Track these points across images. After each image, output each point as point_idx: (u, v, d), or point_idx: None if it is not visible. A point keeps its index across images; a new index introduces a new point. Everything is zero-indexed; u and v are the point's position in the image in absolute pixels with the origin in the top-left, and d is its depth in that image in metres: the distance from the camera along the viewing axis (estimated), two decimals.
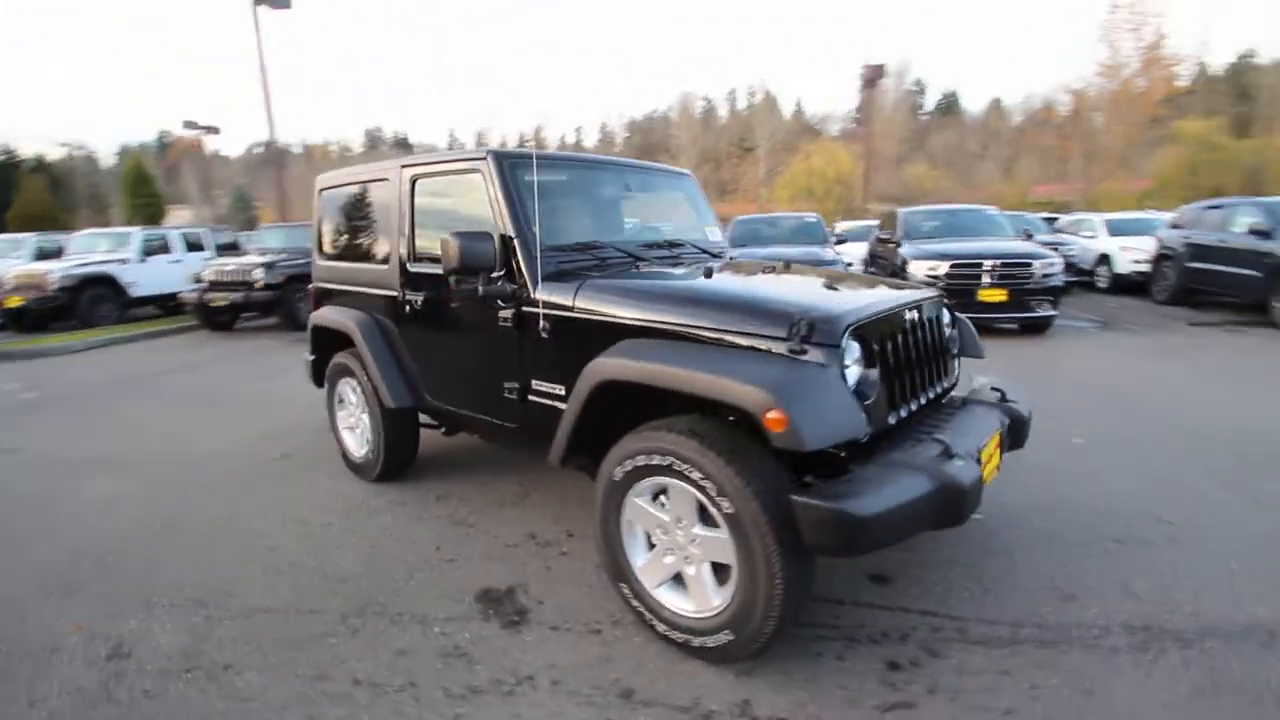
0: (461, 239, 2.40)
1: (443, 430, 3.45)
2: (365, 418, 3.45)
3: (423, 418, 3.44)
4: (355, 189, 3.47)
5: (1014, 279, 7.07)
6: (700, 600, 1.97)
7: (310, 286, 3.94)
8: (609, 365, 2.05)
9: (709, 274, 2.44)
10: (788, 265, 2.84)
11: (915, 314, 2.27)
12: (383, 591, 2.47)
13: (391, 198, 3.10)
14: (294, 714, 1.84)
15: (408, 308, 3.06)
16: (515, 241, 2.50)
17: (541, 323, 2.41)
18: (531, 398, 2.56)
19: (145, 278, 10.39)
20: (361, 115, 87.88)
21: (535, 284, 2.44)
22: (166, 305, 10.95)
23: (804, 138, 56.71)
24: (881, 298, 2.20)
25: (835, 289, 2.30)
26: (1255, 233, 7.74)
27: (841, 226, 13.63)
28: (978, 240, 7.96)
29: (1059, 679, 1.88)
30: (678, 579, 2.06)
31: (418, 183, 2.98)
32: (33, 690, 1.98)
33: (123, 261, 10.17)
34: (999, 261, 7.12)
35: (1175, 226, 9.77)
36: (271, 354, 7.92)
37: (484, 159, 2.62)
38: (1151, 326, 7.85)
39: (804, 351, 1.82)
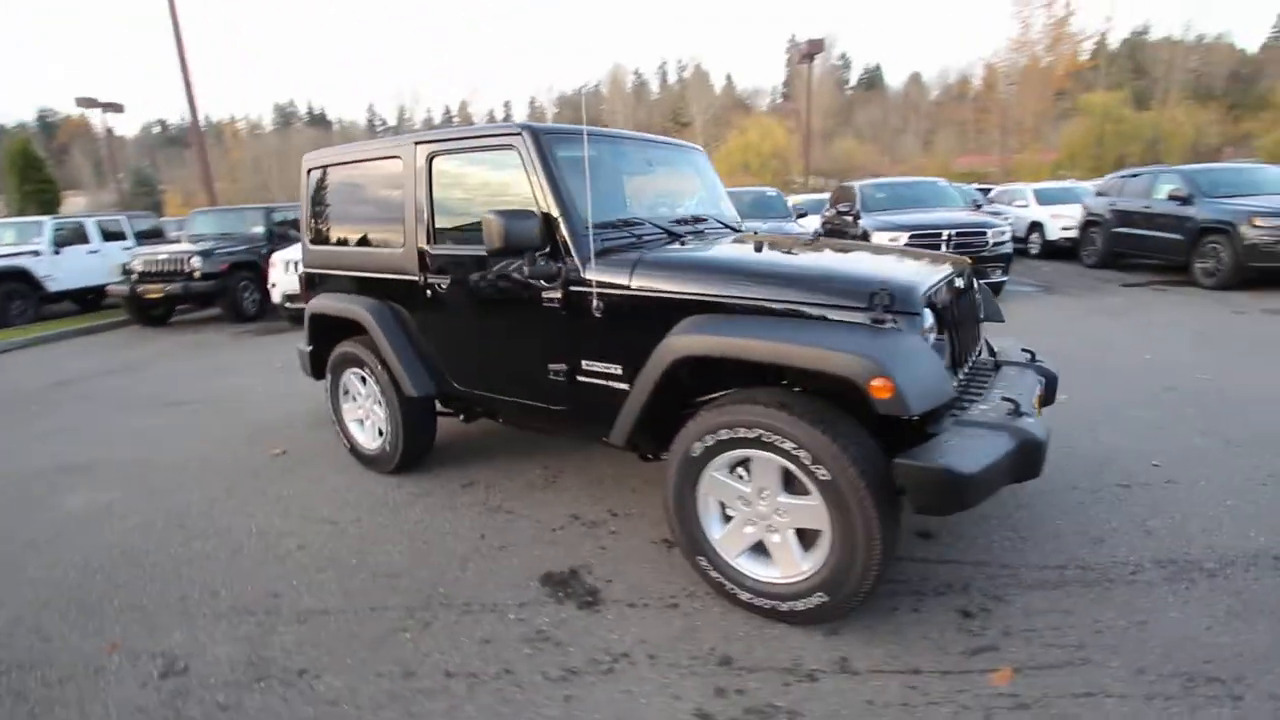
0: (505, 218, 2.32)
1: (461, 418, 3.36)
2: (378, 409, 3.32)
3: (438, 406, 3.34)
4: (354, 168, 3.28)
5: (970, 247, 7.42)
6: (787, 566, 2.02)
7: (299, 273, 3.72)
8: (689, 341, 2.04)
9: (759, 248, 2.45)
10: (816, 239, 2.89)
11: (961, 281, 2.36)
12: (441, 583, 2.41)
13: (403, 176, 2.95)
14: (391, 713, 1.79)
15: (429, 292, 2.93)
16: (561, 220, 2.43)
17: (595, 302, 2.37)
18: (581, 379, 2.52)
19: (62, 271, 9.49)
20: (270, 91, 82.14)
21: (586, 263, 2.39)
22: (86, 300, 10.06)
23: (736, 112, 57.30)
24: (935, 267, 2.29)
25: (890, 260, 2.37)
26: (1175, 199, 8.42)
27: (794, 200, 13.87)
28: (933, 211, 8.31)
29: (1114, 613, 2.05)
30: (757, 548, 2.11)
31: (435, 160, 2.84)
32: (86, 715, 1.84)
33: (35, 254, 9.23)
34: (955, 231, 7.47)
35: (1101, 194, 10.49)
36: (221, 349, 7.43)
37: (519, 134, 2.53)
38: (1088, 289, 8.44)
39: (885, 320, 1.88)
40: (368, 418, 3.46)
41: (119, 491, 3.38)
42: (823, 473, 1.82)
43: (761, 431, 1.91)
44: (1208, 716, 1.64)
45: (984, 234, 7.47)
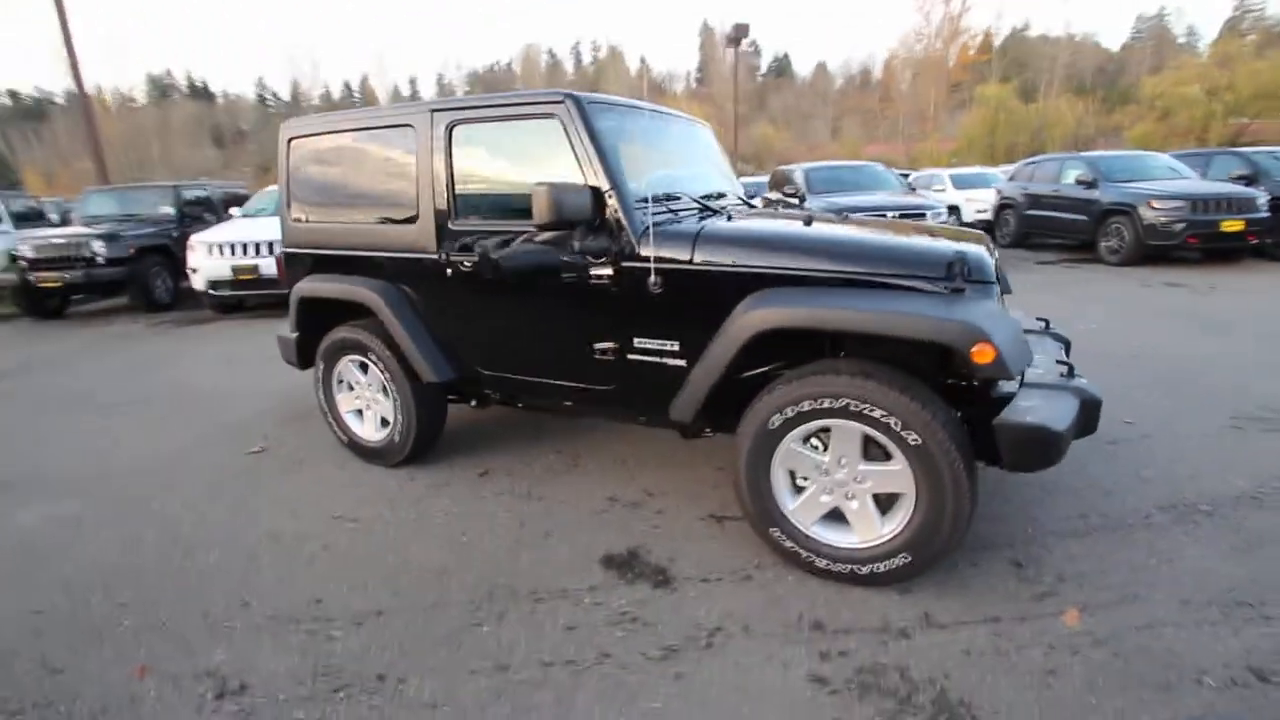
0: (556, 190, 2.22)
1: (473, 404, 3.21)
2: (382, 397, 3.12)
3: None
4: (349, 138, 3.02)
5: None
6: (866, 531, 2.09)
7: (278, 254, 3.41)
8: (775, 314, 2.04)
9: (809, 222, 2.48)
10: (844, 217, 2.94)
11: (997, 254, 2.50)
12: (499, 574, 2.31)
13: (418, 147, 2.75)
14: (499, 709, 1.71)
15: (449, 270, 2.76)
16: (612, 193, 2.35)
17: (652, 277, 2.32)
18: (632, 357, 2.47)
19: None
20: (143, 60, 74.19)
21: (640, 238, 2.33)
22: None
23: (652, 96, 57.39)
24: (979, 241, 2.40)
25: (943, 233, 2.47)
26: (1081, 183, 9.25)
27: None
28: (875, 194, 8.70)
29: (1143, 554, 2.26)
30: (830, 516, 2.16)
31: (456, 130, 2.67)
32: None
33: None
34: (899, 213, 7.85)
35: (1013, 179, 11.34)
36: (144, 341, 6.71)
37: (561, 102, 2.42)
38: (1010, 267, 9.09)
39: (964, 290, 1.96)
40: (369, 407, 3.24)
41: (80, 502, 3.00)
42: (913, 438, 1.88)
43: (849, 401, 1.95)
44: (1251, 635, 1.85)
45: (924, 215, 7.90)
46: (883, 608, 2.03)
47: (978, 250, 2.09)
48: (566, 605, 2.12)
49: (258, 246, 7.02)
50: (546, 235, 2.48)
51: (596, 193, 2.34)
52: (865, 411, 1.93)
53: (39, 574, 2.44)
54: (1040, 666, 1.77)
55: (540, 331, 2.68)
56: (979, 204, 12.32)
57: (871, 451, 2.03)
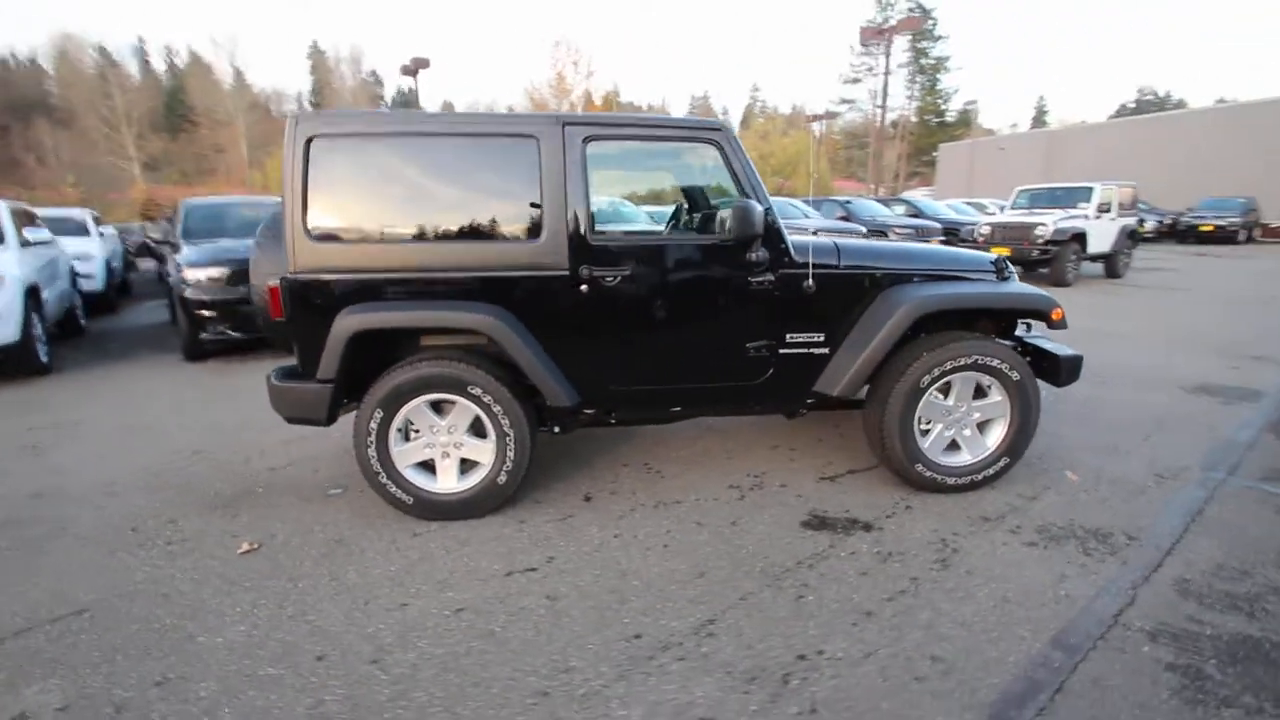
0: (750, 209, 2.55)
1: (556, 430, 3.05)
2: (471, 438, 2.75)
3: None
4: (418, 143, 2.61)
5: None
6: (977, 450, 2.96)
7: (275, 282, 2.63)
8: (930, 300, 2.75)
9: (866, 235, 3.25)
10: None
11: None
12: (742, 563, 2.45)
13: (544, 159, 2.60)
14: (913, 636, 2.01)
15: (584, 287, 2.68)
16: (770, 211, 2.74)
17: (809, 282, 2.79)
18: (785, 351, 2.87)
19: None
20: None
21: (791, 247, 2.78)
22: None
23: (256, 116, 50.11)
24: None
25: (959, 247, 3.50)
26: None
27: None
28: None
29: (1174, 512, 3.25)
30: (948, 446, 2.98)
31: (591, 145, 2.64)
32: None
33: None
34: None
35: None
36: None
37: (720, 130, 2.70)
38: None
39: (1009, 278, 3.01)
40: (446, 455, 2.77)
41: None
42: (1015, 375, 2.84)
43: (977, 357, 2.80)
44: None
45: None
46: (1007, 505, 2.91)
47: (994, 254, 3.19)
48: (834, 563, 2.44)
49: None
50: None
51: (766, 210, 2.70)
52: (986, 362, 2.81)
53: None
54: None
55: (695, 338, 2.83)
56: None
57: (978, 392, 2.92)
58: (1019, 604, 2.17)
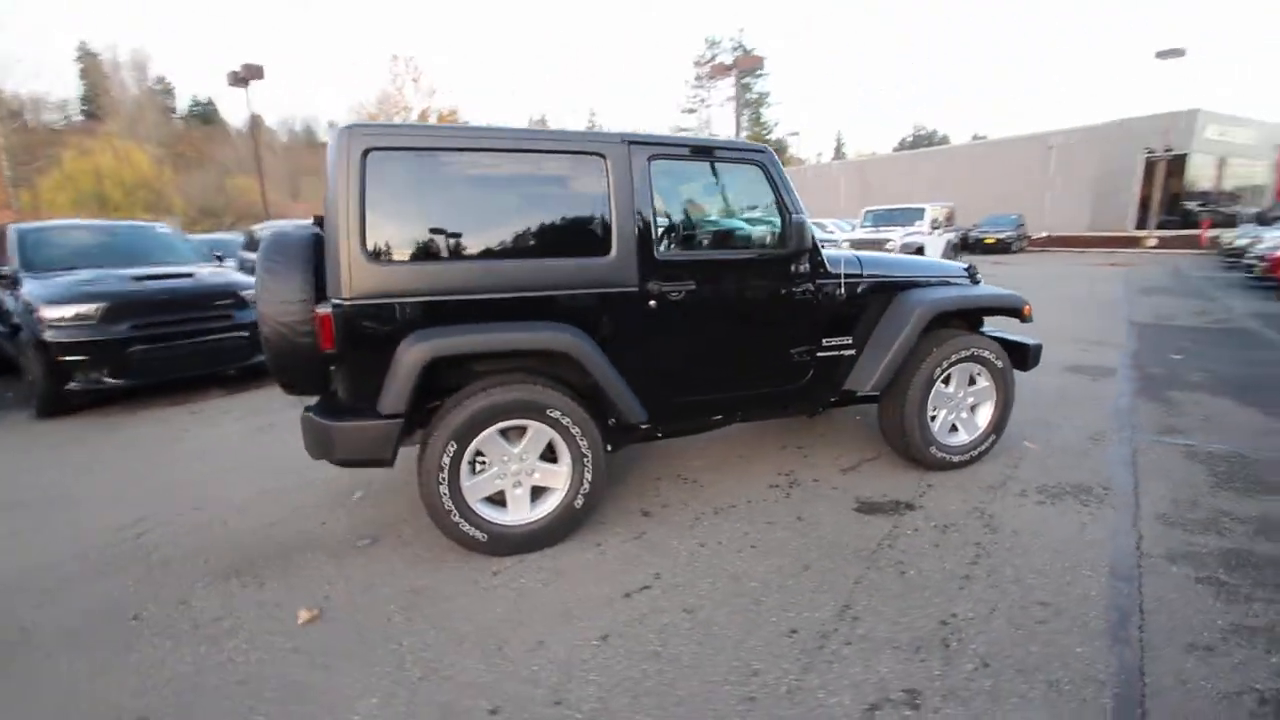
0: (806, 224, 2.79)
1: (609, 449, 3.02)
2: (545, 464, 2.66)
3: None
4: (485, 158, 2.50)
5: None
6: (972, 430, 3.42)
7: (326, 310, 2.35)
8: (942, 302, 3.15)
9: (889, 250, 3.62)
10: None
11: None
12: (834, 551, 2.63)
13: (613, 178, 2.61)
14: (1036, 644, 2.31)
15: (652, 302, 2.72)
16: (811, 226, 2.99)
17: (840, 290, 3.07)
18: (821, 354, 3.12)
19: None
20: None
21: (825, 259, 3.05)
22: None
23: (12, 123, 41.93)
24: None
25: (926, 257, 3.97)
26: None
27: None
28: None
29: (1119, 465, 4.15)
30: (950, 429, 3.41)
31: (655, 163, 2.70)
32: None
33: None
34: None
35: None
36: None
37: (764, 152, 2.89)
38: None
39: (979, 281, 3.54)
40: (519, 484, 2.63)
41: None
42: (999, 363, 3.34)
43: (975, 350, 3.26)
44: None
45: None
46: (1010, 465, 3.40)
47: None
48: (907, 540, 2.70)
49: None
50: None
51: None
52: (980, 354, 3.28)
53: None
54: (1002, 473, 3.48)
55: (748, 347, 2.97)
56: None
57: (973, 379, 3.39)
58: (1066, 551, 2.57)
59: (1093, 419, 4.21)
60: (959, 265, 3.64)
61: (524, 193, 2.61)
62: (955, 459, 3.35)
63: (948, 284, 3.47)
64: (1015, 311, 3.47)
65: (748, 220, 3.05)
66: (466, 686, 1.90)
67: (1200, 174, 25.46)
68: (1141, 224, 24.97)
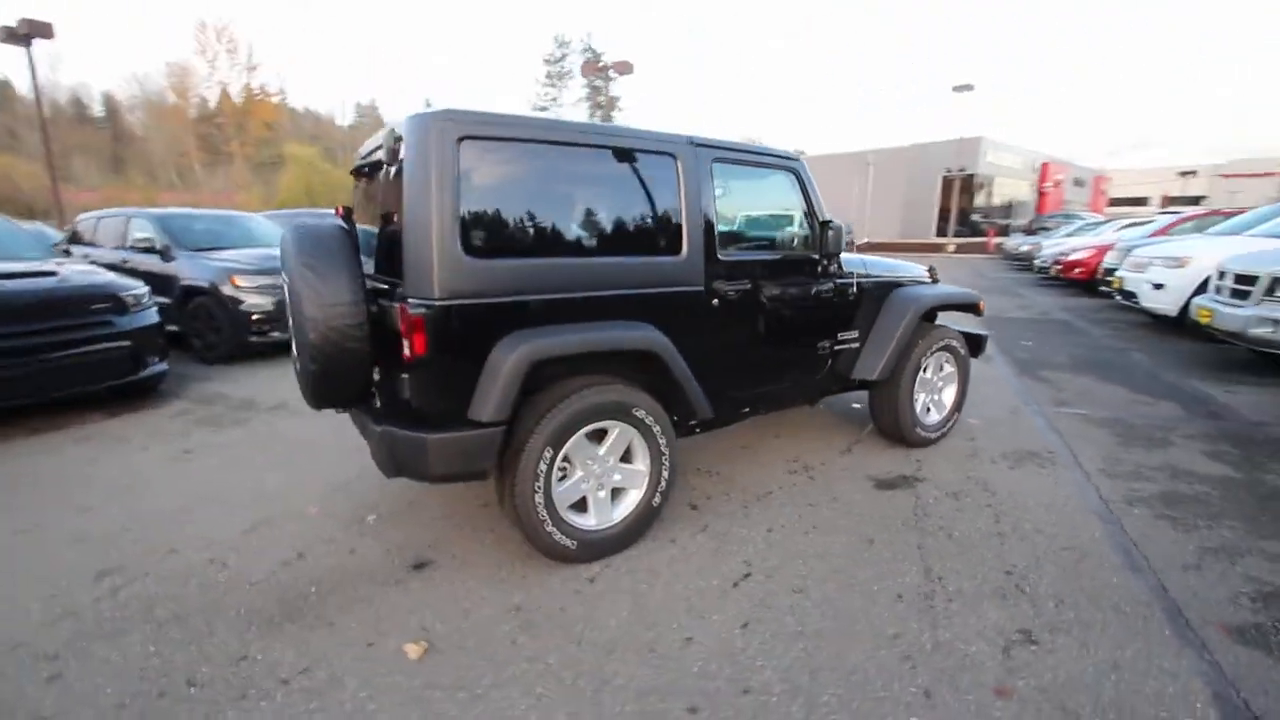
0: (841, 227, 3.06)
1: None
2: (629, 466, 2.66)
3: None
4: (590, 155, 2.48)
5: None
6: (942, 410, 3.93)
7: (421, 311, 2.15)
8: (928, 299, 3.58)
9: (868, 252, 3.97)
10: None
11: None
12: (901, 544, 2.92)
13: (683, 178, 2.65)
14: (1084, 580, 2.74)
15: (714, 301, 2.81)
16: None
17: (854, 289, 3.39)
18: (837, 347, 3.41)
19: None
20: None
21: (841, 262, 3.35)
22: None
23: None
24: None
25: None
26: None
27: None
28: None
29: (1047, 432, 4.88)
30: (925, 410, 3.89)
31: (715, 166, 2.79)
32: None
33: None
34: None
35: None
36: None
37: (797, 160, 3.09)
38: None
39: (938, 281, 4.06)
40: (601, 487, 2.58)
41: None
42: (962, 351, 3.88)
43: (948, 340, 3.76)
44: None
45: None
46: (973, 444, 3.93)
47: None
48: (933, 507, 3.06)
49: None
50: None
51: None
52: (951, 344, 3.79)
53: None
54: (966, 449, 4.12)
55: (787, 343, 3.16)
56: None
57: (940, 367, 3.89)
58: (1055, 505, 3.08)
59: (1002, 396, 5.00)
60: (921, 268, 4.15)
61: (606, 190, 2.56)
62: (933, 436, 3.83)
63: (920, 283, 3.95)
64: (974, 307, 4.04)
65: (785, 224, 3.23)
66: (647, 692, 1.88)
67: (983, 191, 30.55)
68: (942, 232, 29.36)
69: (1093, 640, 2.09)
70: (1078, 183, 37.81)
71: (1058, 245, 12.95)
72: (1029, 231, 21.23)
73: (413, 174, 2.15)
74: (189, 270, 6.61)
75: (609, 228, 2.56)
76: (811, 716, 1.78)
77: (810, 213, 3.21)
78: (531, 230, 2.36)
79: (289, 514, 3.09)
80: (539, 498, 2.37)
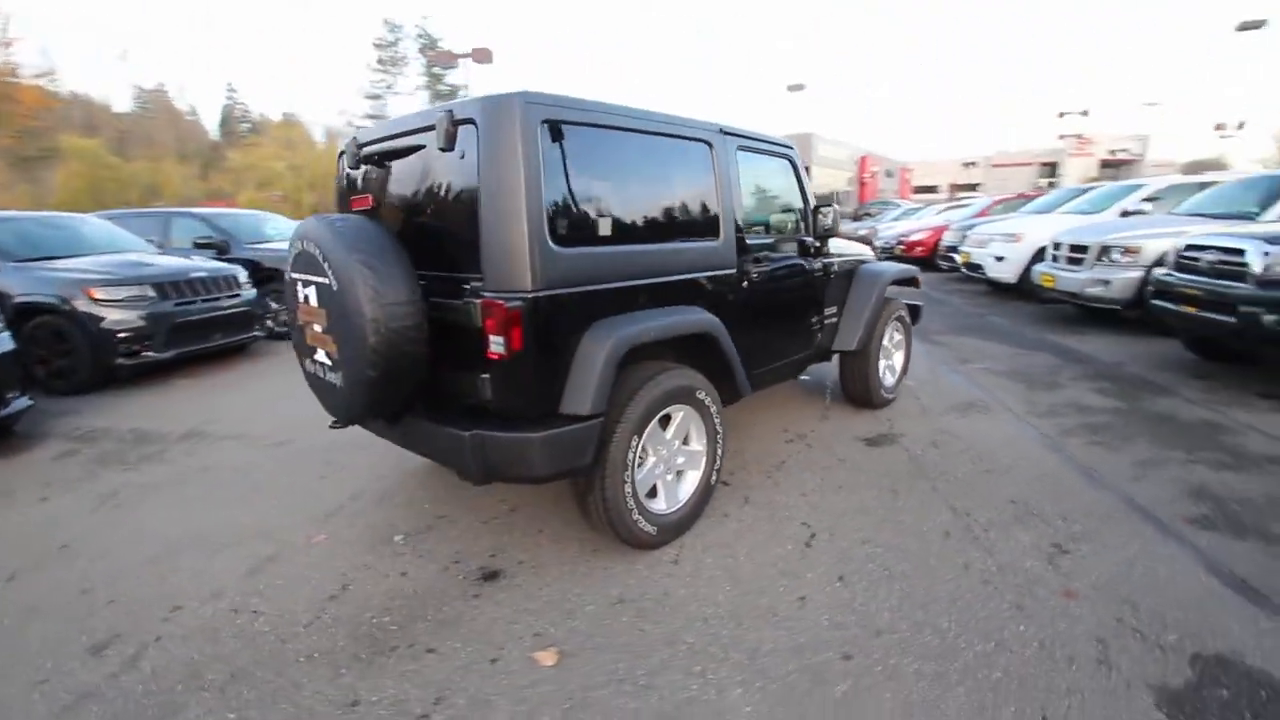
0: (836, 211, 3.34)
1: None
2: (689, 447, 2.72)
3: None
4: (647, 141, 2.48)
5: None
6: (895, 374, 4.39)
7: (516, 305, 2.04)
8: (894, 275, 3.98)
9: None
10: None
11: None
12: (919, 490, 3.24)
13: (717, 165, 2.73)
14: (1102, 506, 3.21)
15: (744, 283, 2.93)
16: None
17: (835, 267, 3.68)
18: (824, 322, 3.69)
19: None
20: None
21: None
22: None
23: None
24: None
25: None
26: None
27: None
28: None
29: (977, 388, 5.42)
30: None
31: (739, 153, 2.90)
32: None
33: None
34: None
35: None
36: None
37: (792, 148, 3.29)
38: None
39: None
40: (669, 471, 2.61)
41: None
42: (908, 319, 4.37)
43: (899, 311, 4.21)
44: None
45: None
46: (910, 399, 4.42)
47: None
48: (921, 457, 3.45)
49: None
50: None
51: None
52: (901, 315, 4.25)
53: None
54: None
55: (791, 322, 3.36)
56: None
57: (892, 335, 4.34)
58: (1015, 444, 3.61)
59: (915, 360, 5.65)
60: (866, 248, 4.59)
61: (662, 176, 2.56)
62: (890, 397, 4.29)
63: (874, 262, 4.37)
64: (914, 281, 4.55)
65: (786, 207, 3.42)
66: (799, 649, 1.97)
67: (817, 183, 33.61)
68: None
69: (1106, 543, 2.53)
70: (888, 174, 42.94)
71: (892, 228, 14.69)
72: (855, 218, 23.82)
73: (494, 160, 2.02)
74: (20, 284, 5.40)
75: (666, 214, 2.57)
76: (944, 642, 1.99)
77: (804, 197, 3.44)
78: (607, 217, 2.31)
79: (290, 547, 2.73)
80: (628, 488, 2.35)
